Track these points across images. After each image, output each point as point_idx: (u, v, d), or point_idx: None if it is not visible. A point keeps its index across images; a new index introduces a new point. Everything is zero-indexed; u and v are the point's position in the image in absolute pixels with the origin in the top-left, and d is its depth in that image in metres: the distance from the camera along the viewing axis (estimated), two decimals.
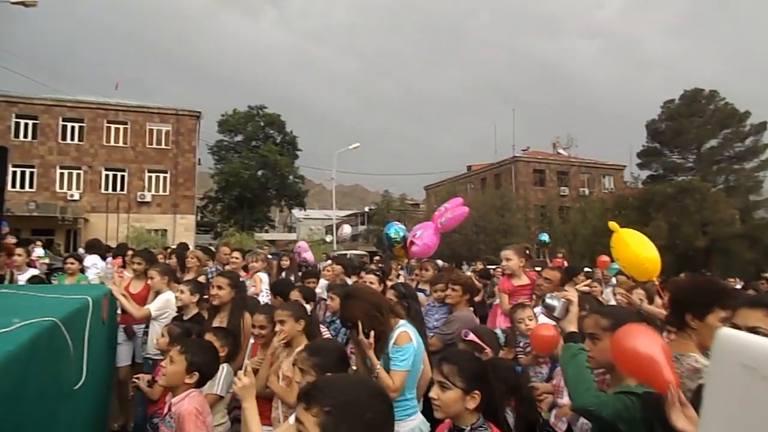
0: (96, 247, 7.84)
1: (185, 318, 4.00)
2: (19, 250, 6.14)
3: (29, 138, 26.87)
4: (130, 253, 7.02)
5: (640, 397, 1.79)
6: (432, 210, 13.28)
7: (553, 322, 2.56)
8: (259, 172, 38.44)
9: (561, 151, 40.48)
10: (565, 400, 2.84)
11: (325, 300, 4.85)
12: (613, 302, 4.87)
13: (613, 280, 7.39)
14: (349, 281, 6.00)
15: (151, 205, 28.34)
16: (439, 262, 10.53)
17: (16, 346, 1.67)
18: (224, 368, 3.05)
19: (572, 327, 2.01)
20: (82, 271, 6.40)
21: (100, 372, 3.36)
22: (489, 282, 7.81)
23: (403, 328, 2.71)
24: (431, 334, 4.12)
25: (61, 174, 27.24)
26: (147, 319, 4.40)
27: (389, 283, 4.86)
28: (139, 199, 27.94)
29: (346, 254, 20.68)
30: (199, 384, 2.55)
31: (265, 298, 5.59)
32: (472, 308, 4.62)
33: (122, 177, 28.25)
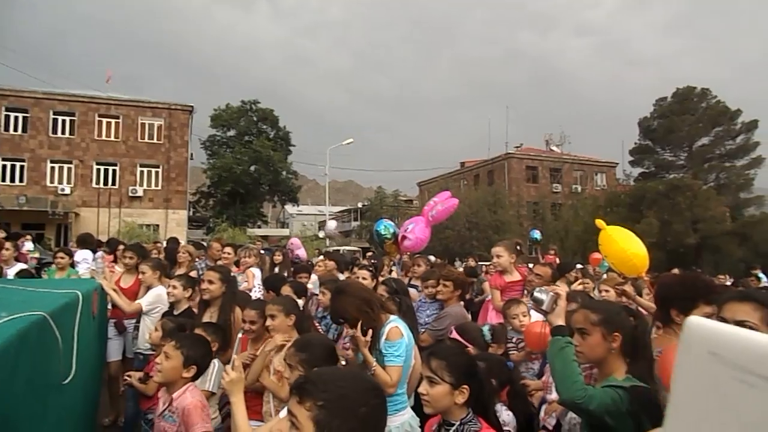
0: (87, 242, 7.76)
1: (176, 313, 3.97)
2: (7, 245, 6.10)
3: (19, 131, 26.55)
4: (121, 247, 6.98)
5: (627, 391, 1.81)
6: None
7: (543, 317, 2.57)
8: (252, 168, 38.23)
9: (554, 148, 40.58)
10: (554, 395, 2.86)
11: (317, 295, 4.85)
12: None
13: (604, 277, 7.41)
14: (342, 277, 5.98)
15: (143, 199, 28.11)
16: (432, 258, 10.56)
17: (4, 340, 1.66)
18: (215, 364, 3.05)
19: (560, 320, 2.02)
20: (73, 265, 6.35)
21: (89, 367, 3.34)
22: (476, 279, 7.85)
23: (395, 323, 2.72)
24: (422, 329, 4.13)
25: (52, 168, 26.96)
26: (138, 314, 4.38)
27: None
28: (130, 194, 27.71)
29: (339, 250, 20.70)
30: (194, 378, 2.55)
31: (257, 293, 5.57)
32: (463, 303, 4.64)
33: (114, 171, 27.99)
